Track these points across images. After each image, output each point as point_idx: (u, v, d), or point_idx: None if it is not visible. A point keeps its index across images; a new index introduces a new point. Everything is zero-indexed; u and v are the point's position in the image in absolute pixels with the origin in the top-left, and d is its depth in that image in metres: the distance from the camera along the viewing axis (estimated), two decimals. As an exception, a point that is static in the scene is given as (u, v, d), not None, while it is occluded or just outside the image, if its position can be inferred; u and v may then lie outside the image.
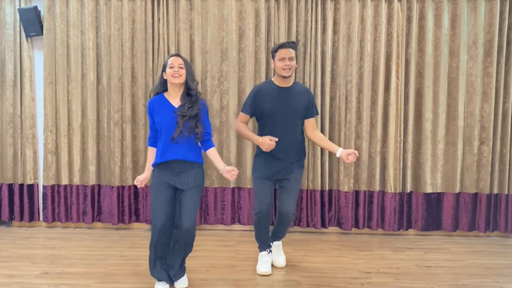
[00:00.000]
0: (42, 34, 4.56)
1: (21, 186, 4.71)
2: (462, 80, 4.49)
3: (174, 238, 3.12)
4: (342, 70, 4.52)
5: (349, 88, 4.53)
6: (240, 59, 4.56)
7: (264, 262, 3.53)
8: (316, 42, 4.50)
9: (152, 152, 3.19)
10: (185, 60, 3.08)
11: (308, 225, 4.63)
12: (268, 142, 3.28)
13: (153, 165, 3.15)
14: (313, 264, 3.72)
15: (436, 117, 4.53)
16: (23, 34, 4.57)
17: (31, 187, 4.71)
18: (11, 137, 4.67)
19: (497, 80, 4.48)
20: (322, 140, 3.59)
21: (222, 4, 4.52)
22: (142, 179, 3.19)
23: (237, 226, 4.72)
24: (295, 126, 3.46)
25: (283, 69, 3.32)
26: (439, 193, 4.60)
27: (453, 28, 4.50)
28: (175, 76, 3.01)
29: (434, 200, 4.58)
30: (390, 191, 4.53)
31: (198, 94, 3.11)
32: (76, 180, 4.66)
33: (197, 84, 3.16)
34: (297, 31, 4.52)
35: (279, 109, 3.38)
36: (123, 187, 4.65)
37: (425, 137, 4.54)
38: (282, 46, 3.35)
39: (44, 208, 4.69)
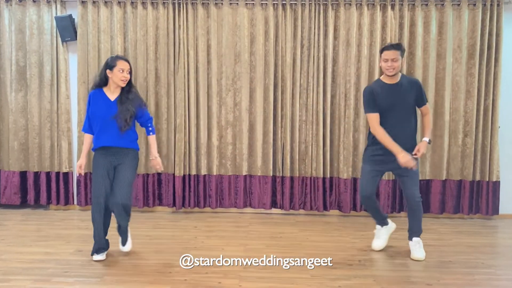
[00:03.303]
0: (76, 39, 4.56)
1: (58, 174, 4.72)
2: (448, 80, 4.46)
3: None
4: (342, 71, 4.50)
5: (348, 87, 4.51)
6: (252, 61, 4.54)
7: (377, 236, 3.53)
8: (318, 46, 4.48)
9: (89, 139, 3.14)
10: (130, 65, 3.07)
11: (311, 208, 4.62)
12: (408, 159, 3.07)
13: (92, 149, 3.15)
14: (316, 243, 3.69)
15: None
16: (59, 39, 4.58)
17: (66, 175, 4.72)
18: (48, 130, 4.66)
19: (479, 80, 4.46)
20: (424, 125, 3.37)
21: (236, 12, 4.50)
22: (79, 164, 3.16)
23: (248, 209, 4.71)
24: (409, 117, 3.26)
25: (386, 69, 3.17)
26: (428, 180, 4.59)
27: (440, 34, 4.47)
28: (123, 80, 3.00)
29: (423, 187, 4.56)
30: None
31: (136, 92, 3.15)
32: (106, 169, 4.63)
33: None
34: (302, 37, 4.50)
35: (392, 105, 3.20)
36: (147, 175, 4.65)
37: (415, 130, 4.49)
38: (386, 48, 3.18)
39: (78, 193, 4.69)
